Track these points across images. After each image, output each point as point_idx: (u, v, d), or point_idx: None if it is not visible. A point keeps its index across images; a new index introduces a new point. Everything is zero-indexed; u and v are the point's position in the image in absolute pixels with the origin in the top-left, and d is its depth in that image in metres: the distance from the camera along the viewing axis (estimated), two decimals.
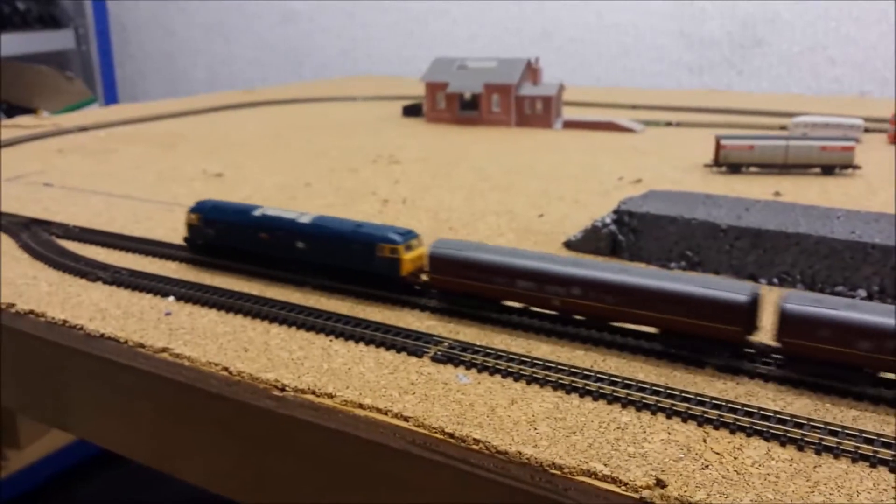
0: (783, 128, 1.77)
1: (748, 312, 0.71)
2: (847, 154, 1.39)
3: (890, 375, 0.68)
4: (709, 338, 0.73)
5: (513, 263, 0.81)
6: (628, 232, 1.01)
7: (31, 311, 0.88)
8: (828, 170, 1.40)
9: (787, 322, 0.69)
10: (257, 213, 0.97)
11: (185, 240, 1.04)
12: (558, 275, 0.78)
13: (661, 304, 0.74)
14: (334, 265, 0.91)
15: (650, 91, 2.63)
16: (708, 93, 2.63)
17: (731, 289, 0.72)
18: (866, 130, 1.75)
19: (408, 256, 0.88)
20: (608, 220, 1.03)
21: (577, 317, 0.80)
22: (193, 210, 1.01)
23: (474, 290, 0.83)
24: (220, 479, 0.81)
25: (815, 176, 1.40)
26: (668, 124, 1.95)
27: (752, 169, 1.43)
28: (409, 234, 0.89)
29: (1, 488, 2.51)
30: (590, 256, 1.03)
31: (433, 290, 0.87)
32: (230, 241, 0.98)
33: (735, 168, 1.43)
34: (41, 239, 1.11)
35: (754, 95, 2.62)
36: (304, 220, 0.93)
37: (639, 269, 0.78)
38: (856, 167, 1.39)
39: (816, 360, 0.68)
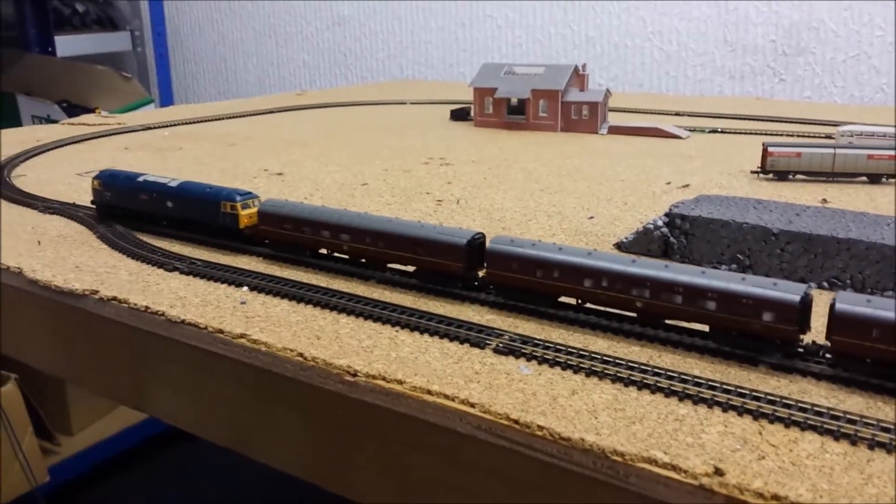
0: (828, 136, 1.78)
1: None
2: (894, 163, 1.40)
3: None
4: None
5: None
6: (680, 234, 1.04)
7: (114, 298, 0.94)
8: (874, 178, 1.41)
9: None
10: (140, 179, 1.19)
11: (91, 202, 1.24)
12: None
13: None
14: (193, 220, 1.12)
15: (694, 98, 2.64)
16: (752, 100, 2.64)
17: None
18: None
19: (244, 213, 1.07)
20: (660, 223, 1.06)
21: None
22: (96, 177, 1.23)
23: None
24: (293, 461, 0.85)
25: (861, 184, 1.41)
26: (714, 131, 1.96)
27: (799, 176, 1.45)
28: (247, 195, 1.08)
29: (54, 473, 2.61)
30: (642, 258, 1.07)
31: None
32: (121, 202, 1.20)
33: (782, 175, 1.45)
34: (117, 230, 1.17)
35: (798, 103, 2.62)
36: (173, 184, 1.15)
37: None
38: None
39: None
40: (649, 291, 0.81)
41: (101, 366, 1.01)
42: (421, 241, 0.94)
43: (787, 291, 0.74)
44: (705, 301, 0.78)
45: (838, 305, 0.72)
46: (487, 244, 0.91)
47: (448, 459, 0.72)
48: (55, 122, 3.28)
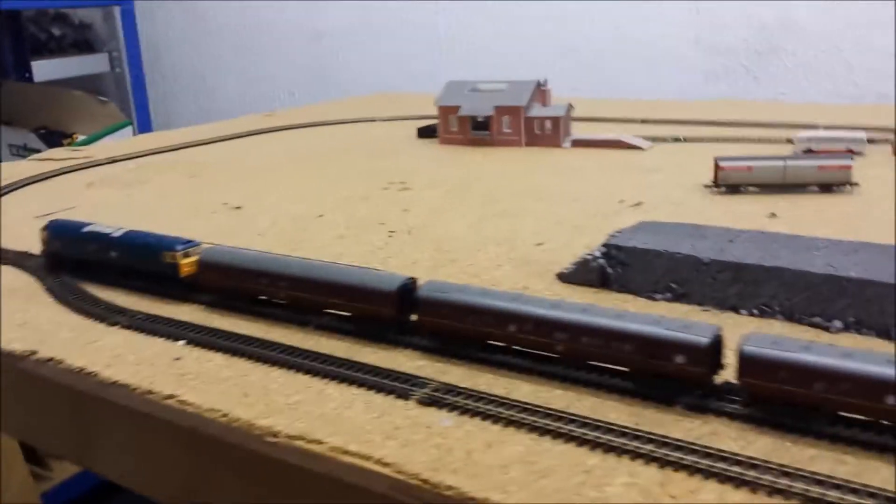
0: (790, 141, 1.78)
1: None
2: (845, 173, 1.40)
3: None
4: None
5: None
6: (616, 265, 1.05)
7: (51, 359, 0.95)
8: (826, 188, 1.42)
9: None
10: (85, 229, 1.19)
11: (42, 252, 1.26)
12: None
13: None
14: (135, 269, 1.13)
15: (665, 102, 2.64)
16: (722, 103, 2.64)
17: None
18: (873, 141, 1.75)
19: (185, 262, 1.08)
20: (598, 254, 1.07)
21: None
22: (44, 228, 1.24)
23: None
24: None
25: (812, 195, 1.42)
26: (677, 140, 1.97)
27: (752, 189, 1.45)
28: (188, 244, 1.10)
29: (48, 499, 2.63)
30: (581, 289, 1.08)
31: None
32: (69, 253, 1.21)
33: (734, 189, 1.45)
34: (65, 282, 1.18)
35: (768, 104, 2.62)
36: (117, 234, 1.16)
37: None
38: (854, 184, 1.41)
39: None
40: (569, 335, 0.82)
41: (48, 425, 1.03)
42: (354, 288, 0.95)
43: (697, 334, 0.75)
44: (622, 344, 0.79)
45: (745, 348, 0.73)
46: (418, 290, 0.92)
47: None
48: (34, 150, 3.30)
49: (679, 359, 0.76)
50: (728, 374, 0.78)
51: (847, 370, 0.68)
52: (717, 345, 0.75)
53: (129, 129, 3.55)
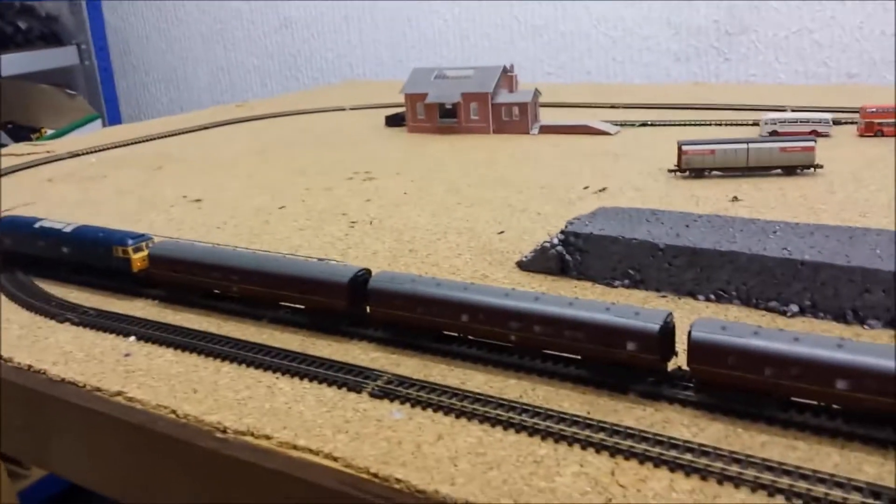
0: (756, 123, 1.78)
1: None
2: (808, 154, 1.40)
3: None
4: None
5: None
6: (575, 252, 1.04)
7: (0, 357, 0.93)
8: (789, 170, 1.42)
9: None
10: (36, 225, 1.17)
11: None
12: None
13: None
14: (87, 264, 1.11)
15: (636, 86, 2.64)
16: (692, 86, 2.64)
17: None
18: (840, 123, 1.76)
19: (136, 256, 1.06)
20: (556, 241, 1.06)
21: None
22: None
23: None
24: None
25: (776, 177, 1.42)
26: (644, 124, 1.96)
27: (715, 172, 1.45)
28: (140, 238, 1.08)
29: (24, 497, 2.60)
30: (540, 276, 1.07)
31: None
32: (21, 249, 1.19)
33: (698, 172, 1.45)
34: (18, 278, 1.16)
35: (737, 86, 2.62)
36: (67, 229, 1.14)
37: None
38: (817, 166, 1.41)
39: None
40: (521, 324, 0.81)
41: (3, 424, 1.00)
42: (306, 280, 0.94)
43: (648, 320, 0.74)
44: (574, 332, 0.78)
45: (694, 333, 0.72)
46: (370, 281, 0.90)
47: None
48: (2, 145, 3.25)
49: (631, 346, 0.75)
50: (682, 360, 0.77)
51: (797, 355, 0.68)
52: (668, 331, 0.75)
53: (98, 122, 3.50)
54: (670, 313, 0.76)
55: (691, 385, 0.75)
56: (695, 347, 0.72)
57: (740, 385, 0.70)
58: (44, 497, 2.71)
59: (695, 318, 0.75)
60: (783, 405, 0.70)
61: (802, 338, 0.69)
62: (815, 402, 0.70)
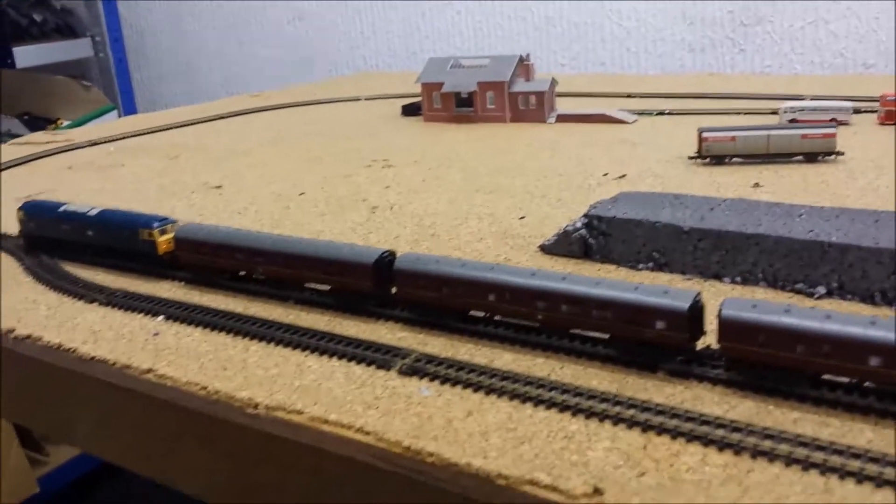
0: (775, 112, 1.77)
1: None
2: (829, 141, 1.40)
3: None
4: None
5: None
6: (598, 235, 1.04)
7: (29, 336, 0.94)
8: (811, 157, 1.41)
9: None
10: (61, 209, 1.18)
11: (20, 233, 1.24)
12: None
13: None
14: (112, 247, 1.11)
15: (650, 77, 2.64)
16: (708, 76, 2.63)
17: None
18: (859, 111, 1.75)
19: (162, 239, 1.06)
20: (579, 224, 1.06)
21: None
22: (20, 209, 1.22)
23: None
24: (211, 492, 0.86)
25: (797, 164, 1.41)
26: (661, 113, 1.96)
27: (736, 159, 1.44)
28: (164, 221, 1.08)
29: (44, 483, 2.62)
30: (563, 260, 1.07)
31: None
32: (46, 233, 1.19)
33: (718, 159, 1.44)
34: (43, 261, 1.17)
35: (754, 77, 2.61)
36: (92, 213, 1.14)
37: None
38: (838, 153, 1.40)
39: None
40: (548, 303, 0.81)
41: (31, 402, 1.02)
42: (332, 262, 0.94)
43: (677, 300, 0.74)
44: (602, 311, 0.78)
45: (724, 312, 0.72)
46: (395, 262, 0.91)
47: (348, 488, 0.73)
48: (17, 136, 3.27)
49: (660, 325, 0.75)
50: (710, 340, 0.77)
51: (829, 332, 0.68)
52: (697, 310, 0.75)
53: (113, 113, 3.51)
54: (699, 292, 0.76)
55: (721, 364, 0.75)
56: (725, 325, 0.72)
57: (771, 363, 0.71)
58: (63, 483, 2.73)
59: (722, 300, 0.75)
60: (815, 383, 0.70)
61: (834, 315, 0.69)
62: (847, 380, 0.69)
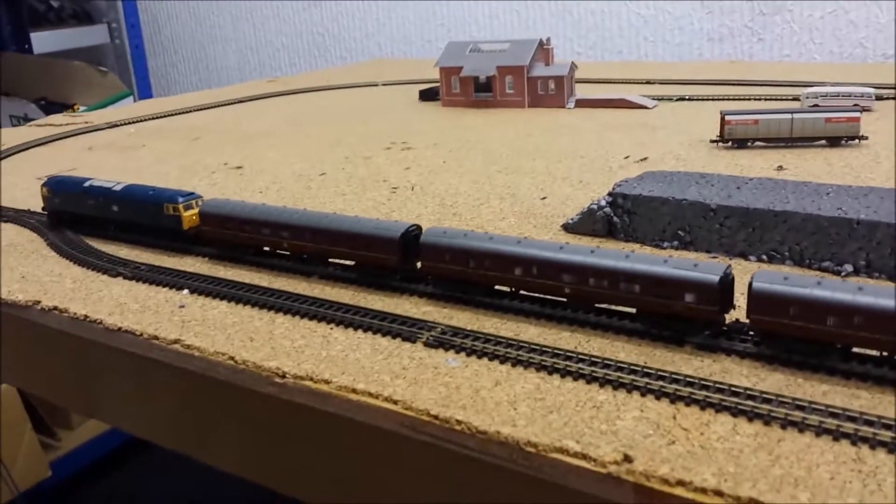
0: (796, 98, 1.76)
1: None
2: (852, 125, 1.39)
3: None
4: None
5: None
6: (623, 214, 1.04)
7: (56, 308, 0.95)
8: (834, 141, 1.40)
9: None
10: (86, 184, 1.18)
11: (43, 209, 1.25)
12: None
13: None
14: (138, 223, 1.12)
15: (669, 64, 2.62)
16: (728, 64, 2.61)
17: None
18: (881, 98, 1.74)
19: (187, 214, 1.07)
20: (603, 203, 1.05)
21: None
22: (44, 185, 1.23)
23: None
24: (235, 462, 0.86)
25: (820, 148, 1.40)
26: (681, 99, 1.95)
27: (758, 143, 1.43)
28: (190, 196, 1.08)
29: (56, 467, 2.64)
30: (587, 238, 1.07)
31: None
32: (70, 208, 1.20)
33: (741, 143, 1.44)
34: (67, 236, 1.17)
35: (774, 65, 2.59)
36: (117, 188, 1.14)
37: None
38: (862, 138, 1.39)
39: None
40: (576, 277, 0.81)
41: (52, 374, 1.02)
42: (357, 237, 0.94)
43: (707, 272, 0.74)
44: (630, 284, 0.78)
45: (755, 284, 0.72)
46: (421, 236, 0.91)
47: (375, 456, 0.73)
48: (33, 120, 3.28)
49: (689, 298, 0.75)
50: (738, 315, 0.77)
51: (861, 304, 0.67)
52: (727, 283, 0.74)
53: (129, 99, 3.52)
54: (729, 265, 0.75)
55: (749, 337, 0.75)
56: (756, 298, 0.71)
57: (802, 336, 0.70)
58: (76, 467, 2.75)
59: (752, 273, 0.75)
60: (845, 356, 0.70)
61: (866, 288, 0.68)
62: (877, 353, 0.69)
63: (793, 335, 0.71)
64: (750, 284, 0.72)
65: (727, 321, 0.77)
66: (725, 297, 0.75)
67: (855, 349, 0.70)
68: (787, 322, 0.70)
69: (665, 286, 0.76)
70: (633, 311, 0.80)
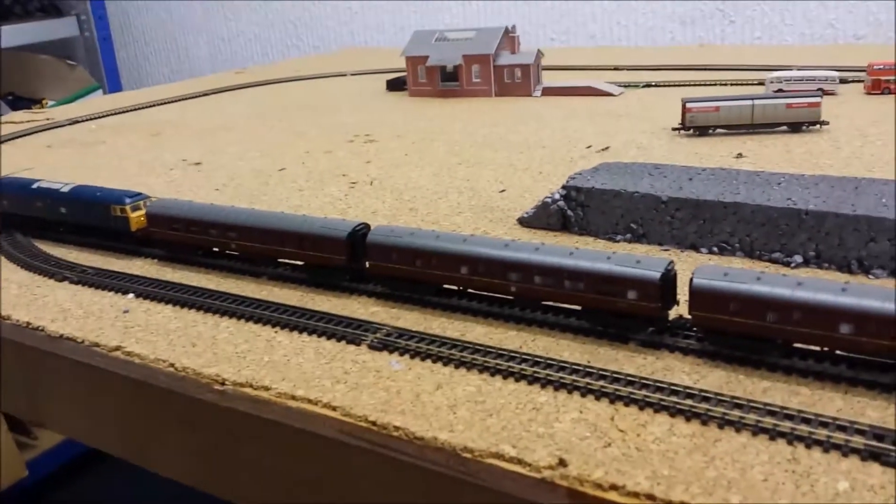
0: (761, 83, 1.76)
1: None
2: (814, 110, 1.38)
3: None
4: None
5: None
6: (576, 207, 1.03)
7: None
8: (795, 127, 1.40)
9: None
10: (34, 186, 1.17)
11: None
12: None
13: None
14: (86, 225, 1.10)
15: (639, 49, 2.61)
16: (696, 48, 2.61)
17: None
18: (847, 81, 1.73)
19: (135, 215, 1.05)
20: (557, 196, 1.04)
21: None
22: None
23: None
24: (180, 470, 0.85)
25: (782, 134, 1.40)
26: (647, 85, 1.94)
27: (720, 130, 1.43)
28: (137, 197, 1.07)
29: (33, 467, 2.62)
30: (541, 232, 1.06)
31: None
32: (19, 210, 1.18)
33: (703, 130, 1.43)
34: (16, 240, 1.15)
35: (743, 48, 2.59)
36: (65, 189, 1.12)
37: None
38: (823, 123, 1.39)
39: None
40: (521, 275, 0.80)
41: (4, 383, 1.00)
42: (305, 236, 0.93)
43: (649, 269, 0.73)
44: (574, 282, 0.77)
45: (695, 280, 0.71)
46: (368, 235, 0.89)
47: (315, 462, 0.72)
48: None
49: (632, 294, 0.74)
50: (682, 311, 0.76)
51: (800, 299, 0.67)
52: (669, 279, 0.74)
53: (98, 92, 3.48)
54: (671, 262, 0.75)
55: (692, 333, 0.74)
56: (697, 294, 0.71)
57: (743, 332, 0.70)
58: (53, 467, 2.73)
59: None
60: (786, 352, 0.70)
61: (806, 282, 0.68)
62: (818, 348, 0.69)
63: (734, 331, 0.70)
64: (690, 281, 0.71)
65: (671, 317, 0.77)
66: (667, 293, 0.74)
67: (796, 345, 0.70)
68: (727, 318, 0.70)
69: (608, 283, 0.75)
70: (579, 308, 0.79)
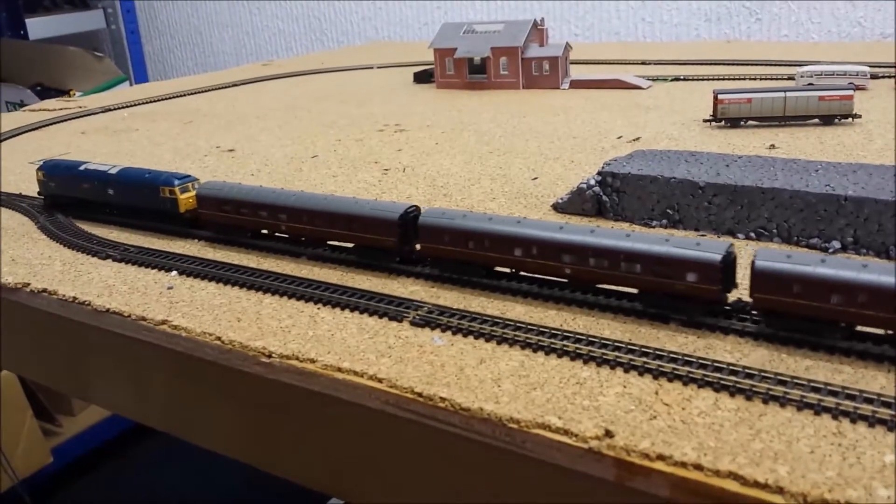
0: (791, 77, 1.76)
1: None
2: (846, 103, 1.38)
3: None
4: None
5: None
6: (612, 193, 1.04)
7: (45, 290, 0.95)
8: (827, 120, 1.40)
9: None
10: (81, 167, 1.17)
11: (38, 193, 1.24)
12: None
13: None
14: (134, 206, 1.11)
15: (666, 44, 2.61)
16: (724, 44, 2.60)
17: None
18: (877, 77, 1.73)
19: (184, 197, 1.06)
20: (592, 182, 1.05)
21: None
22: (39, 169, 1.22)
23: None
24: (224, 442, 0.86)
25: (814, 127, 1.40)
26: (676, 79, 1.94)
27: (751, 122, 1.43)
28: (186, 179, 1.08)
29: (57, 453, 2.66)
30: (576, 218, 1.07)
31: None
32: (65, 192, 1.19)
33: (734, 122, 1.43)
34: (58, 220, 1.17)
35: (771, 44, 2.58)
36: (113, 171, 1.12)
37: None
38: (856, 116, 1.39)
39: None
40: (576, 257, 0.80)
41: (44, 357, 1.02)
42: (355, 218, 0.93)
43: (709, 251, 0.73)
44: (631, 264, 0.77)
45: (758, 262, 0.71)
46: (420, 217, 0.90)
47: (361, 434, 0.73)
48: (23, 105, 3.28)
49: (691, 277, 0.74)
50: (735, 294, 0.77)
51: (866, 282, 0.66)
52: (730, 261, 0.74)
53: (125, 83, 3.51)
54: (732, 244, 0.75)
55: (749, 316, 0.74)
56: (759, 276, 0.71)
57: (806, 314, 0.69)
58: (76, 454, 2.77)
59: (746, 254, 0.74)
60: (845, 334, 0.69)
61: (870, 265, 0.68)
62: (882, 331, 0.68)
63: (796, 314, 0.70)
64: (752, 263, 0.72)
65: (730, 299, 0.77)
66: (727, 275, 0.74)
67: (858, 327, 0.69)
68: (790, 300, 0.70)
69: (667, 265, 0.75)
70: (635, 291, 0.79)
